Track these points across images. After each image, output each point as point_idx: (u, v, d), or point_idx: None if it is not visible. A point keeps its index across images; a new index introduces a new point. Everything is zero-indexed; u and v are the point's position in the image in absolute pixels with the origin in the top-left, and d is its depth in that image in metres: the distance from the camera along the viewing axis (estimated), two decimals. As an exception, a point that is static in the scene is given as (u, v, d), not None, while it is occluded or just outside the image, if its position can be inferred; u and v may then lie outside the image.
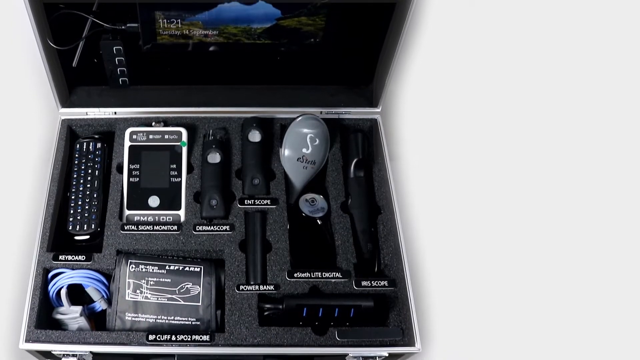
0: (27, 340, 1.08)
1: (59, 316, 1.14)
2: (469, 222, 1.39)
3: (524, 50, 1.55)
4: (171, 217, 1.24)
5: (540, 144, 1.49)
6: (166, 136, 1.29)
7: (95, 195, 1.23)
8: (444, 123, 1.51)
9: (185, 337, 1.09)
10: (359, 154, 1.32)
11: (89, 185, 1.24)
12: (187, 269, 1.17)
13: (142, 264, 1.16)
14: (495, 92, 1.53)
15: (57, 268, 1.16)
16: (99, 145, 1.28)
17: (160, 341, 1.09)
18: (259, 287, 1.15)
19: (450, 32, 1.54)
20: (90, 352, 1.09)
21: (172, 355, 1.09)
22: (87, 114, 1.33)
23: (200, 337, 1.09)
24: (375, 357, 1.12)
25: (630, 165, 1.47)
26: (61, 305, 1.15)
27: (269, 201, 1.25)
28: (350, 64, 1.34)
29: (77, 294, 1.16)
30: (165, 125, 1.32)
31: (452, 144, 1.48)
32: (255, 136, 1.30)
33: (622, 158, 1.47)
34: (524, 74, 1.54)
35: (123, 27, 1.20)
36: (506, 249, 1.36)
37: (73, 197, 1.23)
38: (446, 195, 1.42)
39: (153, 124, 1.32)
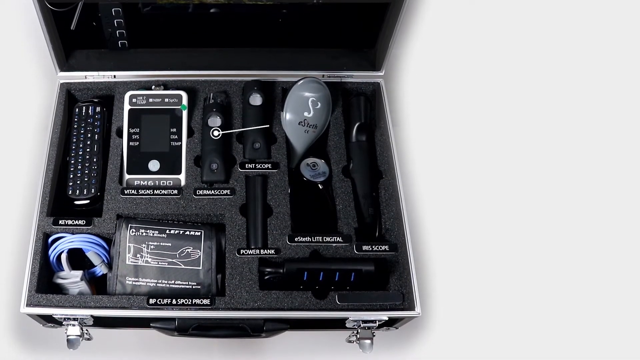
0: (28, 305, 1.08)
1: (59, 281, 1.14)
2: (471, 188, 1.38)
3: (535, 14, 1.53)
4: (171, 181, 1.23)
5: (544, 112, 1.47)
6: (166, 100, 1.27)
7: (95, 160, 1.23)
8: (447, 88, 1.49)
9: (185, 301, 1.09)
10: (361, 118, 1.31)
11: (88, 150, 1.23)
12: (187, 233, 1.16)
13: (142, 228, 1.16)
14: (505, 56, 1.51)
15: (57, 233, 1.16)
16: (98, 109, 1.27)
17: (161, 305, 1.09)
18: (260, 251, 1.15)
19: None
20: (91, 316, 1.09)
21: (172, 319, 1.09)
22: (85, 78, 1.32)
23: (201, 301, 1.09)
24: (375, 321, 1.12)
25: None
26: (62, 269, 1.15)
27: (269, 165, 1.24)
28: (354, 27, 1.32)
29: (77, 258, 1.16)
30: (166, 88, 1.31)
31: (456, 108, 1.46)
32: (256, 99, 1.29)
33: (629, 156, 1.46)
34: (534, 38, 1.52)
35: (122, -12, 1.19)
36: (507, 215, 1.35)
37: (72, 162, 1.23)
38: (448, 161, 1.40)
39: (153, 87, 1.31)
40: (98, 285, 1.17)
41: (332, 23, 1.30)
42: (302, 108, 1.27)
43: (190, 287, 1.13)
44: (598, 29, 1.53)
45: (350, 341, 1.18)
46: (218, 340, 1.21)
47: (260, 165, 1.24)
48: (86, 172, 1.21)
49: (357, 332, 1.15)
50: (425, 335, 1.25)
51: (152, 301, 1.09)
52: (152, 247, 1.15)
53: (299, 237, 1.16)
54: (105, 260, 1.16)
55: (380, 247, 1.16)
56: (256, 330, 1.11)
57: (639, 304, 1.29)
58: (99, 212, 1.19)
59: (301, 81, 1.28)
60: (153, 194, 1.20)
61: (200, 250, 1.15)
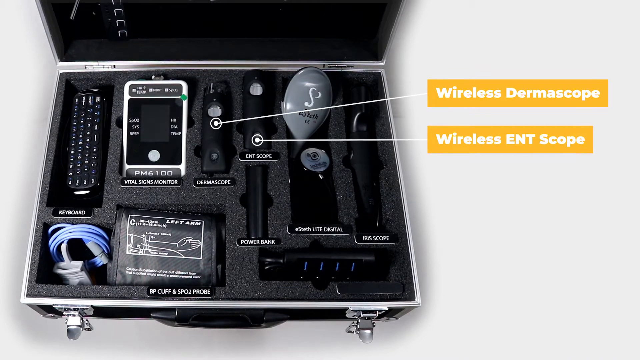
0: (28, 295, 1.08)
1: (59, 271, 1.14)
2: (472, 178, 1.37)
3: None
4: (171, 172, 1.23)
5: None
6: (166, 89, 1.27)
7: (94, 150, 1.22)
8: (449, 77, 1.48)
9: (186, 291, 1.09)
10: (361, 108, 1.30)
11: (88, 140, 1.23)
12: (187, 223, 1.16)
13: (142, 218, 1.16)
14: (507, 46, 1.50)
15: (57, 223, 1.15)
16: (98, 99, 1.27)
17: (161, 295, 1.09)
18: (260, 242, 1.15)
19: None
20: (92, 306, 1.09)
21: (172, 309, 1.09)
22: (85, 68, 1.31)
23: (201, 291, 1.09)
24: (376, 311, 1.12)
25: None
26: (62, 260, 1.15)
27: (270, 155, 1.23)
28: (355, 16, 1.31)
29: (77, 248, 1.16)
30: (166, 78, 1.31)
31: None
32: (256, 89, 1.29)
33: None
34: (536, 25, 1.51)
35: (121, -23, 1.18)
36: (508, 206, 1.35)
37: (72, 152, 1.22)
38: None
39: (153, 77, 1.30)
40: (98, 276, 1.18)
41: (333, 12, 1.29)
42: (303, 98, 1.27)
43: (191, 277, 1.13)
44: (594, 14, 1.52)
45: (350, 331, 1.18)
46: (218, 331, 1.21)
47: (261, 155, 1.23)
48: (86, 162, 1.21)
49: (357, 323, 1.14)
50: (425, 325, 1.24)
51: (152, 291, 1.09)
52: (152, 237, 1.15)
53: (299, 228, 1.16)
54: (106, 251, 1.16)
55: (381, 238, 1.16)
56: (256, 320, 1.11)
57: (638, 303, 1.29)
58: (99, 202, 1.18)
59: (302, 71, 1.28)
60: (153, 184, 1.20)
61: (201, 241, 1.15)
